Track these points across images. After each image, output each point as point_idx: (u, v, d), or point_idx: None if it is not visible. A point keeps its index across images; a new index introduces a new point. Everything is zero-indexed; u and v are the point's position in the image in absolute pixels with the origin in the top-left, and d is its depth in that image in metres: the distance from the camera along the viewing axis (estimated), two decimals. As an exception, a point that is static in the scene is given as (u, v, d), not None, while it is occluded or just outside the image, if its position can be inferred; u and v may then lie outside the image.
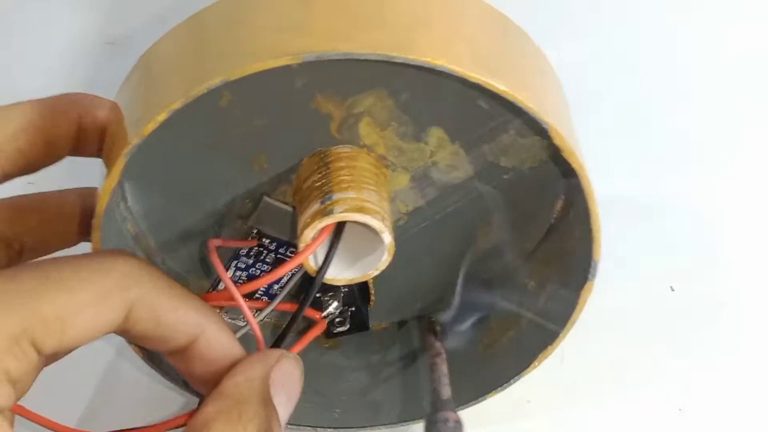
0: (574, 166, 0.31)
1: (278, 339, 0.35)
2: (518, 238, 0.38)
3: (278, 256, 0.38)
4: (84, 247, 0.34)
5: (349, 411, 0.40)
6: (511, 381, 0.37)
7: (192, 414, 0.31)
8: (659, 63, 0.54)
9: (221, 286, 0.38)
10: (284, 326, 0.35)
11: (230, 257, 0.38)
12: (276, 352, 0.32)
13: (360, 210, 0.33)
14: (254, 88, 0.32)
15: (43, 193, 0.35)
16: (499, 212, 0.37)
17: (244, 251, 0.38)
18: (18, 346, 0.27)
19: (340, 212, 0.32)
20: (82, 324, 0.28)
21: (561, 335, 0.35)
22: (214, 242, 0.36)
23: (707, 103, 0.52)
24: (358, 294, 0.40)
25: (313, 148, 0.35)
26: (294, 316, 0.35)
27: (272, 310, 0.36)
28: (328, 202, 0.33)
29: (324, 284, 0.35)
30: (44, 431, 0.31)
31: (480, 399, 0.38)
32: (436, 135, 0.35)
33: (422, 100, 0.33)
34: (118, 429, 0.32)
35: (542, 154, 0.35)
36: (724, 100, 0.52)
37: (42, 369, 0.30)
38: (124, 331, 0.30)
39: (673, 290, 0.45)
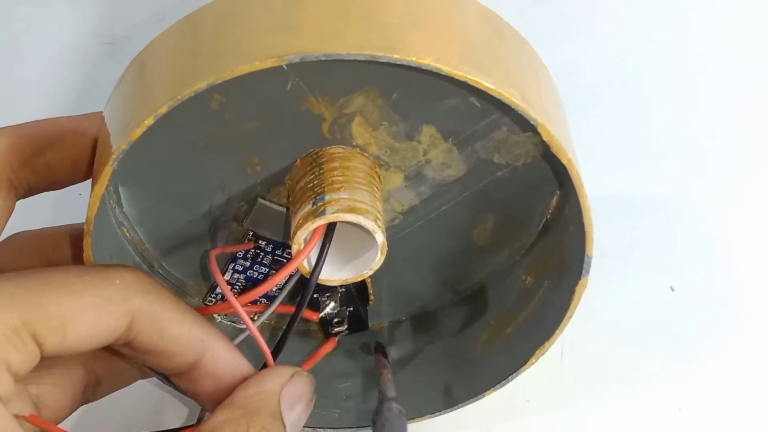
0: (564, 161, 0.31)
1: (279, 343, 0.35)
2: (514, 234, 0.38)
3: (275, 257, 0.38)
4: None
5: (348, 411, 0.40)
6: (509, 378, 0.37)
7: (198, 424, 0.31)
8: (659, 62, 0.53)
9: (219, 290, 0.39)
10: (284, 328, 0.35)
11: (227, 260, 0.38)
12: (290, 369, 0.33)
13: (352, 210, 0.33)
14: (244, 90, 0.32)
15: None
16: (495, 209, 0.37)
17: (240, 254, 0.38)
18: (18, 338, 0.27)
19: (332, 213, 0.32)
20: (83, 326, 0.28)
21: (557, 331, 0.35)
22: (215, 251, 0.36)
23: (708, 103, 0.52)
24: (356, 294, 0.40)
25: (306, 149, 0.35)
26: (292, 319, 0.35)
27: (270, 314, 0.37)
28: (321, 203, 0.33)
29: (321, 285, 0.35)
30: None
31: (479, 397, 0.37)
32: (428, 133, 0.35)
33: (413, 99, 0.33)
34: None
35: (535, 150, 0.35)
36: (725, 99, 0.52)
37: (48, 372, 0.31)
38: (127, 343, 0.30)
39: (673, 290, 0.45)
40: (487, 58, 0.31)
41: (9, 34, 0.56)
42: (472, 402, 0.38)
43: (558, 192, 0.37)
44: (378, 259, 0.34)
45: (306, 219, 0.33)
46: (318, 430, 0.39)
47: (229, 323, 0.40)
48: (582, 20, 0.55)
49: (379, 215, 0.33)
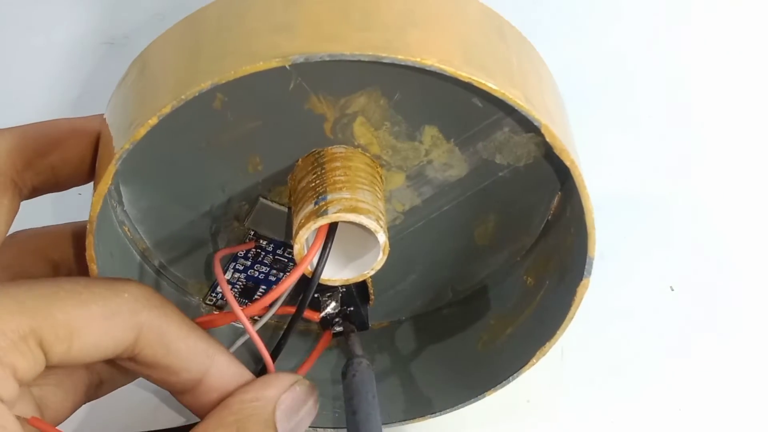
0: (567, 162, 0.31)
1: (279, 343, 0.35)
2: (515, 235, 0.38)
3: (276, 257, 0.38)
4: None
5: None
6: (510, 378, 0.37)
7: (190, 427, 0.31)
8: (660, 62, 0.53)
9: (219, 289, 0.39)
10: (284, 328, 0.35)
11: (228, 259, 0.38)
12: (291, 378, 0.32)
13: (354, 210, 0.33)
14: (247, 89, 0.32)
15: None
16: (496, 210, 0.37)
17: (241, 253, 0.38)
18: (25, 344, 0.27)
19: (335, 212, 0.32)
20: (90, 337, 0.28)
21: (558, 332, 0.35)
22: (220, 255, 0.36)
23: (708, 102, 0.52)
24: (357, 294, 0.40)
25: (308, 149, 0.35)
26: (293, 319, 0.35)
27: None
28: (323, 203, 0.33)
29: (321, 284, 0.35)
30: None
31: (480, 397, 0.37)
32: (430, 133, 0.35)
33: (415, 99, 0.33)
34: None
35: (537, 151, 0.35)
36: (725, 99, 0.52)
37: (51, 373, 0.31)
38: (132, 357, 0.30)
39: (672, 290, 0.45)
40: (490, 59, 0.31)
41: (9, 34, 0.56)
42: (473, 402, 0.38)
43: (559, 192, 0.37)
44: (380, 259, 0.34)
45: (308, 219, 0.33)
46: (318, 429, 0.39)
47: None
48: (582, 20, 0.55)
49: (381, 215, 0.33)
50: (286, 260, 0.38)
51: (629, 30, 0.55)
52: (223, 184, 0.36)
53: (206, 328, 0.33)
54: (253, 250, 0.38)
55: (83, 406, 0.33)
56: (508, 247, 0.39)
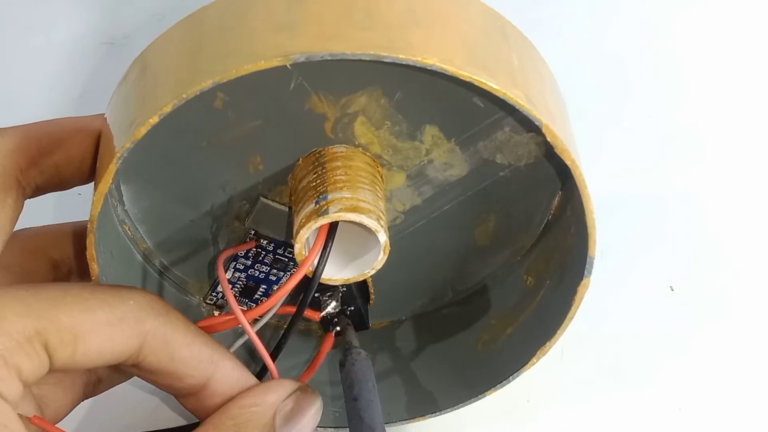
0: (568, 162, 0.31)
1: (279, 342, 0.35)
2: (516, 234, 0.38)
3: (277, 256, 0.38)
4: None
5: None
6: (510, 378, 0.37)
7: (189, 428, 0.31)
8: (660, 62, 0.53)
9: (220, 288, 0.39)
10: (285, 328, 0.35)
11: (229, 259, 0.38)
12: (292, 384, 0.32)
13: (355, 209, 0.33)
14: (248, 89, 0.32)
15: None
16: (496, 209, 0.37)
17: (242, 252, 0.38)
18: (30, 345, 0.27)
19: (335, 212, 0.32)
20: (95, 342, 0.29)
21: (559, 332, 0.35)
22: (223, 257, 0.36)
23: (708, 102, 0.52)
24: (357, 293, 0.40)
25: (309, 148, 0.35)
26: (293, 319, 0.35)
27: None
28: (323, 202, 0.33)
29: (322, 284, 0.34)
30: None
31: (480, 396, 0.37)
32: (431, 133, 0.35)
33: (416, 99, 0.33)
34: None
35: (537, 150, 0.35)
36: (725, 98, 0.52)
37: (57, 386, 0.31)
38: (136, 364, 0.30)
39: (672, 290, 0.45)
40: (491, 58, 0.31)
41: (9, 34, 0.56)
42: (473, 402, 0.38)
43: (560, 192, 0.37)
44: (381, 259, 0.34)
45: (309, 218, 0.33)
46: (318, 428, 0.39)
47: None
48: (582, 20, 0.55)
49: (381, 215, 0.33)
50: (286, 260, 0.38)
51: (629, 30, 0.55)
52: (223, 184, 0.36)
53: (207, 332, 0.33)
54: (254, 249, 0.38)
55: (84, 405, 0.33)
56: (509, 247, 0.39)
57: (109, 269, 0.34)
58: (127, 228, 0.36)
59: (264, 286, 0.39)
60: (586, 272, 0.34)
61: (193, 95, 0.29)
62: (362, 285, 0.39)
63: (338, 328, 0.38)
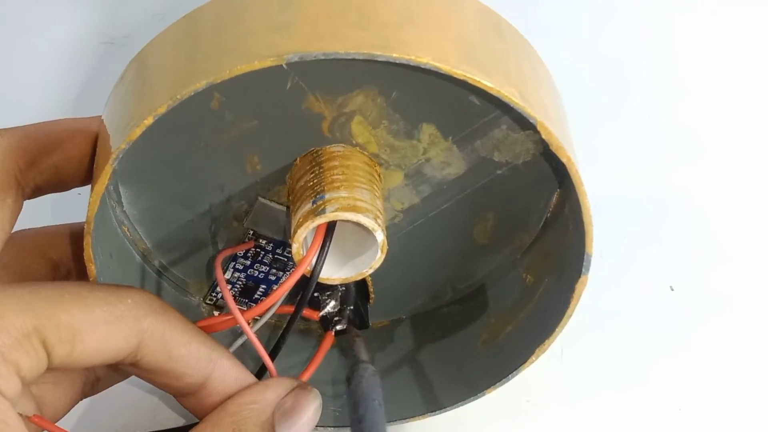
0: (563, 159, 0.31)
1: (278, 341, 0.35)
2: (514, 233, 0.38)
3: (275, 256, 0.38)
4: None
5: (347, 409, 0.39)
6: (510, 376, 0.37)
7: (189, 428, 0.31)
8: (659, 62, 0.53)
9: (219, 289, 0.39)
10: (283, 328, 0.35)
11: (228, 259, 0.38)
12: (291, 382, 0.32)
13: (352, 209, 0.33)
14: (244, 89, 0.32)
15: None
16: (495, 208, 0.37)
17: (241, 252, 0.38)
18: (29, 342, 0.27)
19: (333, 211, 0.32)
20: (93, 340, 0.29)
21: (558, 329, 0.35)
22: (221, 257, 0.36)
23: (708, 101, 0.52)
24: (357, 292, 0.40)
25: (306, 148, 0.35)
26: (291, 318, 0.35)
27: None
28: (320, 202, 0.33)
29: (321, 283, 0.35)
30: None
31: (479, 395, 0.37)
32: (428, 132, 0.35)
33: (413, 98, 0.33)
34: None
35: (535, 148, 0.35)
36: (725, 98, 0.52)
37: (56, 385, 0.31)
38: (134, 363, 0.30)
39: (672, 290, 0.45)
40: (486, 57, 0.31)
41: (9, 34, 0.56)
42: (473, 400, 0.38)
43: (558, 190, 0.37)
44: (378, 258, 0.34)
45: (306, 217, 0.33)
46: (318, 428, 0.39)
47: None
48: (580, 19, 0.55)
49: (379, 214, 0.33)
50: (285, 259, 0.38)
51: (627, 29, 0.55)
52: (222, 184, 0.36)
53: (206, 332, 0.33)
54: (253, 249, 0.38)
55: (82, 404, 0.33)
56: (507, 245, 0.39)
57: (107, 270, 0.34)
58: (125, 229, 0.36)
59: (263, 286, 0.39)
60: (584, 270, 0.33)
61: (187, 96, 0.29)
62: (362, 284, 0.39)
63: (338, 327, 0.38)
